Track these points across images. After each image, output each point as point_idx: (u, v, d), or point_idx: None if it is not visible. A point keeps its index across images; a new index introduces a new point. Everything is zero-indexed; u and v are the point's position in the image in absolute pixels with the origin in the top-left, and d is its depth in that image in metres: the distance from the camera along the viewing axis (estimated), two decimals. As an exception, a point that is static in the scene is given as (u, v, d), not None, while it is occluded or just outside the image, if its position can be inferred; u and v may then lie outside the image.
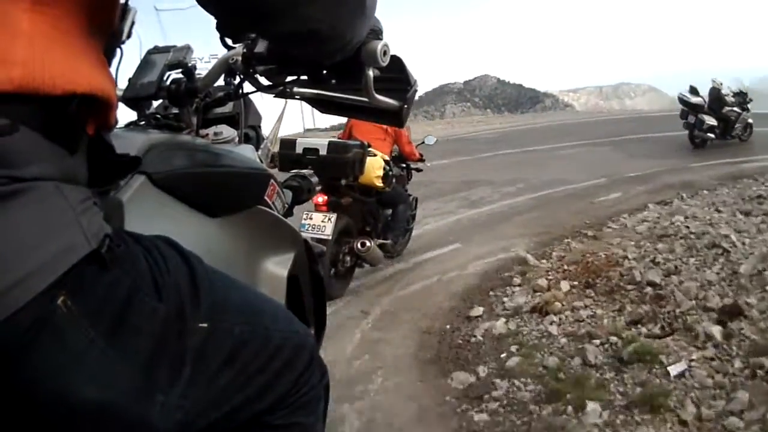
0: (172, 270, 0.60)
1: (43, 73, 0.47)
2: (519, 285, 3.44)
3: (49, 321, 0.47)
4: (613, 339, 2.53)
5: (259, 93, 0.96)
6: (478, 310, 3.12)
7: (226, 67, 0.97)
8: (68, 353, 0.48)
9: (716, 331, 2.45)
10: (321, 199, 3.33)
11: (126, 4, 0.82)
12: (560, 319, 2.88)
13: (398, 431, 2.09)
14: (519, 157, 9.96)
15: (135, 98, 1.00)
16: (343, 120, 4.69)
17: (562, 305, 2.99)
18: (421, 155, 4.34)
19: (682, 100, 9.29)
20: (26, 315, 0.45)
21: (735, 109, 9.36)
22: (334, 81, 0.81)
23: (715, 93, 9.44)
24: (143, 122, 1.00)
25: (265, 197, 1.05)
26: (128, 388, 0.53)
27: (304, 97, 0.91)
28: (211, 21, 0.64)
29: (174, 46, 1.04)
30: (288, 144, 3.18)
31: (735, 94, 9.64)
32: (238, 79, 0.99)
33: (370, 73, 0.76)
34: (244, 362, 0.66)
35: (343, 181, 3.31)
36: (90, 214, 0.52)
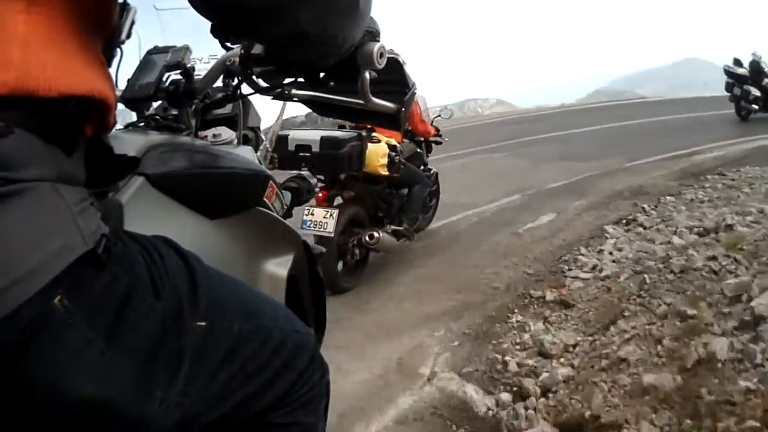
0: (170, 269, 0.60)
1: (38, 75, 0.47)
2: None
3: (47, 320, 0.47)
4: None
5: (258, 94, 0.96)
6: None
7: (223, 69, 0.96)
8: (66, 352, 0.48)
9: None
10: (321, 193, 3.19)
11: (125, 2, 0.82)
12: None
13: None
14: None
15: (134, 99, 1.00)
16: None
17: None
18: (437, 129, 4.18)
19: (728, 72, 9.31)
20: (24, 314, 0.45)
21: None
22: (331, 83, 0.81)
23: (756, 65, 9.43)
24: (142, 123, 0.99)
25: (265, 198, 1.05)
26: (127, 385, 0.53)
27: (301, 99, 0.90)
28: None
29: (173, 47, 1.04)
30: (280, 141, 2.98)
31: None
32: (236, 81, 0.99)
33: (367, 75, 0.75)
34: (243, 360, 0.65)
35: (342, 175, 3.19)
36: (87, 214, 0.52)
